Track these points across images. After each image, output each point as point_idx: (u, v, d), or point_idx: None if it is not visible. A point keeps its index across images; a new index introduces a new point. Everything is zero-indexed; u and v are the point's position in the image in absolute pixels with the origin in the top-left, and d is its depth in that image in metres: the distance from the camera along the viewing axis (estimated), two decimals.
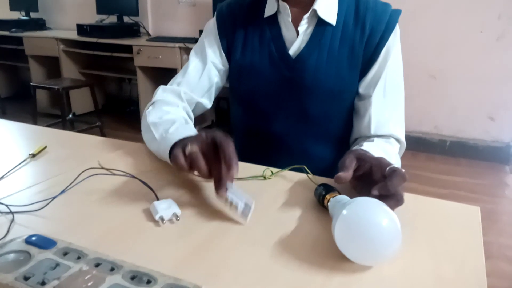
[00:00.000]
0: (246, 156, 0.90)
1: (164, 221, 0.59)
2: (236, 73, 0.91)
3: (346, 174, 0.60)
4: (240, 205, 0.59)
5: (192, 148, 0.59)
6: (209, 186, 0.71)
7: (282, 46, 0.86)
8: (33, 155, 0.82)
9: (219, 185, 0.59)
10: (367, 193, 0.56)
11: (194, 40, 3.06)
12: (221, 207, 0.62)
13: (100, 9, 3.62)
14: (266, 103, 0.90)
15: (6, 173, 0.74)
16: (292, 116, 0.89)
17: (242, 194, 0.60)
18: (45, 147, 0.86)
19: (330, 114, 0.88)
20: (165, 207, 0.60)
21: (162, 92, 0.89)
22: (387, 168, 0.59)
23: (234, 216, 0.60)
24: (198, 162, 0.59)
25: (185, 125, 0.77)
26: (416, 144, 3.02)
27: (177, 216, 0.59)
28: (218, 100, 3.03)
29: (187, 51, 3.04)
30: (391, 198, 0.56)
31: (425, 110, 3.01)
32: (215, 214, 0.61)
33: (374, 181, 0.60)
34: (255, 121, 0.93)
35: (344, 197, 0.59)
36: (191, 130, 0.73)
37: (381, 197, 0.55)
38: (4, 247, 0.49)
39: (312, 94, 0.85)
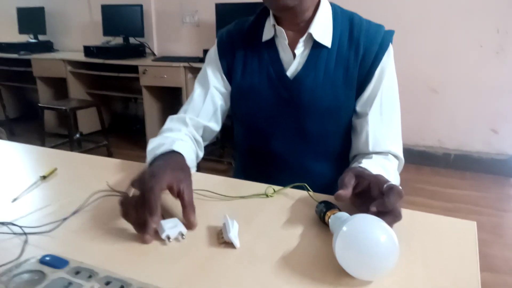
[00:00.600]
0: (249, 174, 0.93)
1: (170, 240, 0.61)
2: (236, 95, 0.94)
3: (346, 192, 0.63)
4: (228, 233, 0.59)
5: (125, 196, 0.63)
6: (213, 206, 0.73)
7: (280, 68, 0.89)
8: (44, 177, 0.85)
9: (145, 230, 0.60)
10: (366, 209, 0.58)
11: (199, 59, 3.12)
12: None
13: (106, 31, 3.70)
14: (266, 123, 0.92)
15: (19, 195, 0.77)
16: (291, 134, 0.91)
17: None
18: (55, 169, 0.89)
19: (328, 131, 0.90)
20: (171, 226, 0.62)
21: (169, 122, 0.93)
22: (385, 185, 0.61)
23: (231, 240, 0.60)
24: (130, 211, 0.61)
25: (170, 144, 0.78)
26: (420, 158, 3.03)
27: (183, 235, 0.61)
28: None
29: (192, 70, 3.10)
30: (389, 215, 0.58)
31: (428, 124, 3.03)
32: (219, 232, 0.63)
33: (372, 198, 0.62)
34: (256, 140, 0.96)
35: (344, 214, 0.61)
36: (171, 146, 0.76)
37: (379, 214, 0.57)
38: (19, 267, 0.51)
39: (310, 112, 0.88)
